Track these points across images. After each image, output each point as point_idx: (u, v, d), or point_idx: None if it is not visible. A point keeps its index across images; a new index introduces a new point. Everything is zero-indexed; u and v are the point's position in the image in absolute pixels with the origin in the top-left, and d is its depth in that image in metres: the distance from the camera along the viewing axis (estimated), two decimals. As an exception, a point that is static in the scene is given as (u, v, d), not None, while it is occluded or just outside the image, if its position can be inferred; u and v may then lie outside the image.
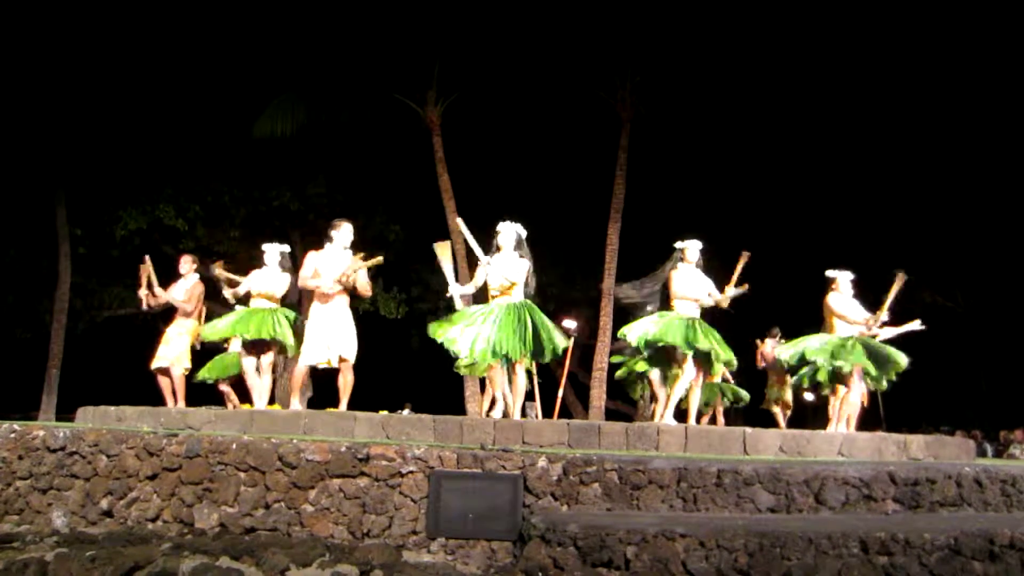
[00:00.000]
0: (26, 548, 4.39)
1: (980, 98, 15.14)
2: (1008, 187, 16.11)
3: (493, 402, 8.70)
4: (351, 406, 6.76)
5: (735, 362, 7.03)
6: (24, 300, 15.44)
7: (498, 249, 6.71)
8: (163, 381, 7.59)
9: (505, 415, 6.62)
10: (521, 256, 6.64)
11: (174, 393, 7.52)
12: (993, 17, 13.98)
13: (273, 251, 7.39)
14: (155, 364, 7.52)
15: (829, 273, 7.46)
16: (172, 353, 7.49)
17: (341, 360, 6.64)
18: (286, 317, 7.08)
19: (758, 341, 10.86)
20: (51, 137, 13.96)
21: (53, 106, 13.71)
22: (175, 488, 4.79)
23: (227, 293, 7.44)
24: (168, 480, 4.81)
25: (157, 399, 7.57)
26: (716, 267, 7.30)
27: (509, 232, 6.71)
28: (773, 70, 14.29)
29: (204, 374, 8.47)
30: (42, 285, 15.20)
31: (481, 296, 6.87)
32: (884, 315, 7.23)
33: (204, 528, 4.63)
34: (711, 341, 6.70)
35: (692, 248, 7.09)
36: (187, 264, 7.79)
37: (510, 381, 6.67)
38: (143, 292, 7.70)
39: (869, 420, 9.77)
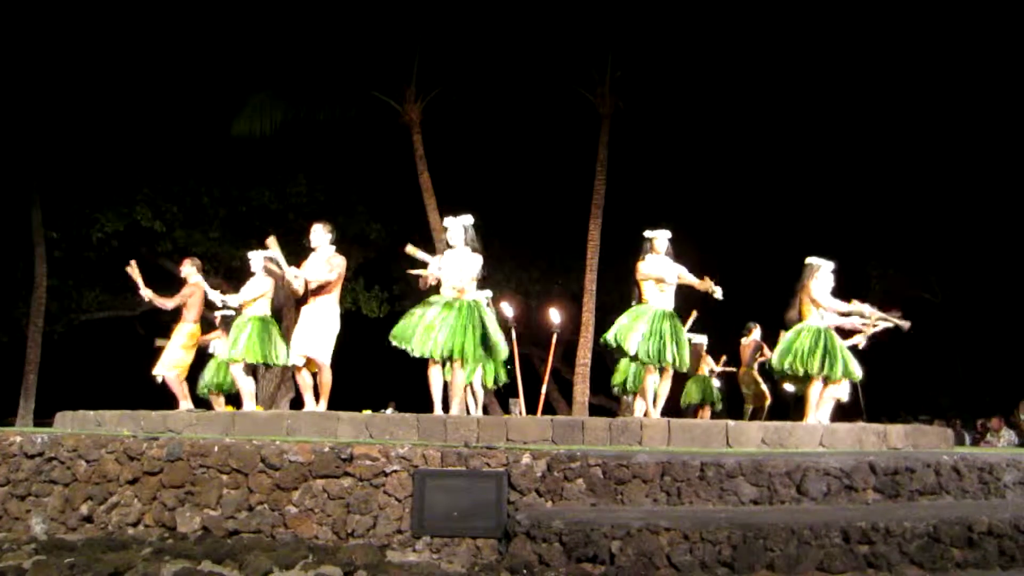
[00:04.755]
0: (3, 556, 4.33)
1: (957, 91, 15.30)
2: (983, 178, 16.32)
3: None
4: (333, 406, 6.74)
5: (687, 363, 7.00)
6: (0, 304, 15.25)
7: (449, 246, 6.67)
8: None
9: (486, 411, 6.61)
10: (473, 251, 6.57)
11: (185, 395, 7.51)
12: (967, 7, 14.15)
13: (257, 258, 7.38)
14: (155, 371, 7.52)
15: (810, 260, 7.47)
16: (166, 360, 7.46)
17: (306, 359, 6.63)
18: (271, 324, 7.22)
19: (742, 341, 10.90)
20: (25, 138, 13.75)
21: (26, 107, 13.50)
22: (156, 492, 4.74)
23: (216, 298, 7.52)
24: (149, 484, 4.76)
25: (137, 403, 7.51)
26: (699, 261, 7.32)
27: (456, 227, 6.65)
28: (752, 63, 14.36)
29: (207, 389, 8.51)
30: (18, 289, 14.97)
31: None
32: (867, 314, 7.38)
33: (186, 532, 4.59)
34: (657, 341, 6.71)
35: (661, 238, 7.08)
36: (187, 267, 7.73)
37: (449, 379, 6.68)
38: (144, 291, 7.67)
39: (849, 411, 9.87)
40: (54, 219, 14.54)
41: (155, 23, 13.79)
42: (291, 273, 6.68)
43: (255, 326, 7.11)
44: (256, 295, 7.24)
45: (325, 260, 6.74)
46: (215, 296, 7.62)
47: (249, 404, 7.18)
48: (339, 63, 14.06)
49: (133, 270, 7.52)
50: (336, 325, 6.72)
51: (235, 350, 7.05)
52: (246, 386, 7.21)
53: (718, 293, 6.84)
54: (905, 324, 7.64)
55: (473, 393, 8.57)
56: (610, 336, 6.89)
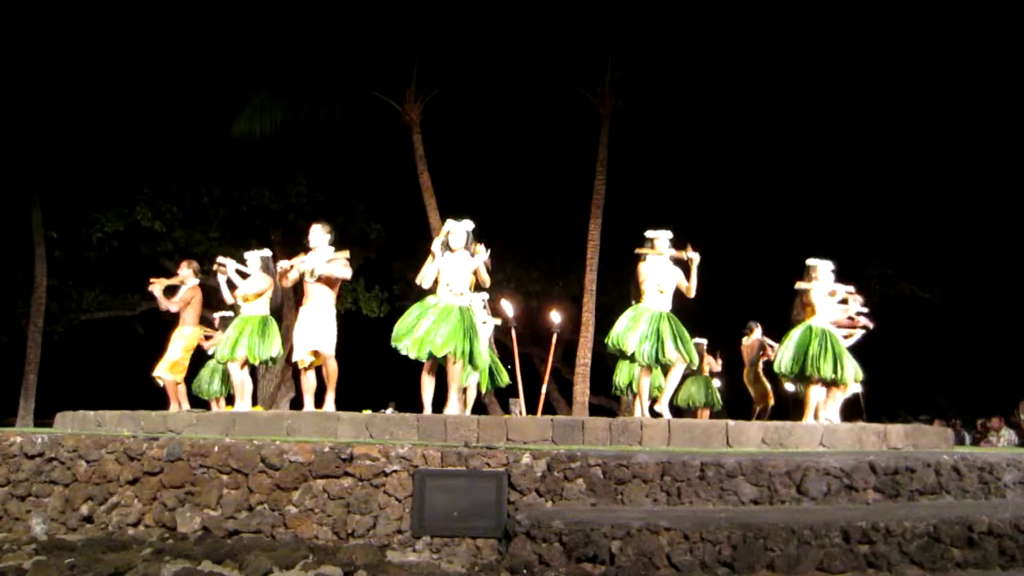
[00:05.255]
0: (3, 556, 4.33)
1: (957, 91, 15.30)
2: (983, 177, 16.32)
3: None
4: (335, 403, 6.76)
5: (695, 358, 7.00)
6: (0, 304, 15.23)
7: (450, 250, 6.66)
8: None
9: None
10: (473, 255, 6.60)
11: (177, 398, 7.49)
12: (967, 7, 14.15)
13: (254, 257, 7.39)
14: (154, 373, 7.51)
15: (809, 261, 7.49)
16: (164, 361, 7.45)
17: (314, 353, 6.70)
18: (270, 323, 7.20)
19: (743, 340, 10.87)
20: (25, 138, 13.74)
21: (26, 106, 13.49)
22: (157, 492, 4.74)
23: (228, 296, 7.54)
24: (149, 484, 4.76)
25: (137, 403, 7.51)
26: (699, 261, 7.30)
27: (459, 231, 6.66)
28: (752, 63, 14.36)
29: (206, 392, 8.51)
30: (18, 289, 14.97)
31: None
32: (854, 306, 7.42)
33: (186, 532, 4.59)
34: (659, 341, 6.72)
35: (662, 238, 7.07)
36: (185, 269, 7.73)
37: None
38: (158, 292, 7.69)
39: (849, 410, 9.87)
40: (54, 219, 14.54)
41: (155, 23, 13.79)
42: (306, 265, 6.75)
43: (252, 326, 7.11)
44: (258, 290, 7.23)
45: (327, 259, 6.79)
46: (233, 269, 7.53)
47: (241, 402, 7.16)
48: (339, 63, 14.06)
49: (156, 288, 7.58)
50: (334, 319, 6.79)
51: (230, 351, 7.05)
52: (240, 384, 7.19)
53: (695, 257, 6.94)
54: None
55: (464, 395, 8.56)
56: (610, 339, 6.90)
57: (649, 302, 6.91)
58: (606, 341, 7.05)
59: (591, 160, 14.08)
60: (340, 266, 6.78)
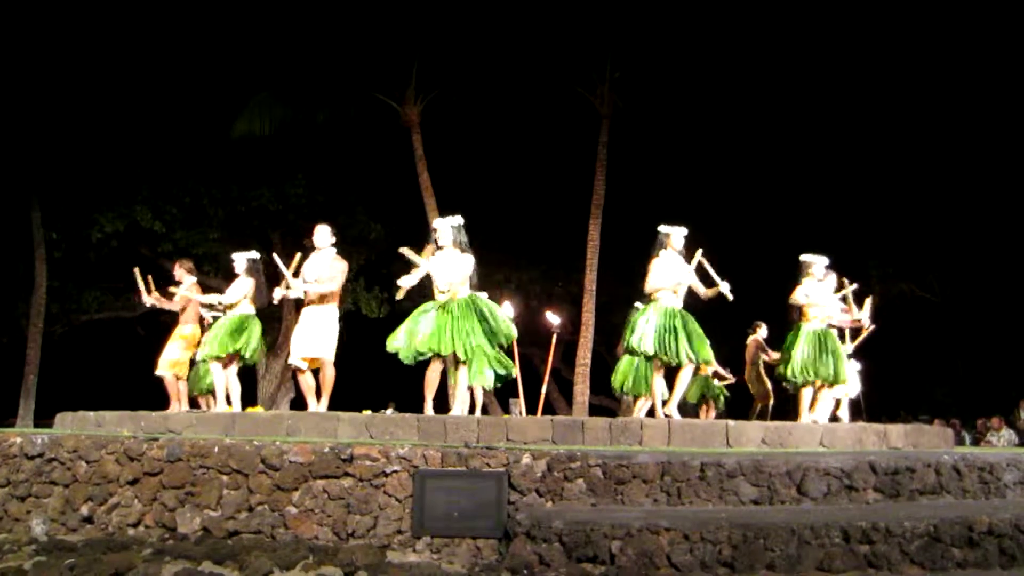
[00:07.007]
0: (3, 557, 4.33)
1: (957, 91, 15.30)
2: (983, 177, 16.33)
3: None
4: (333, 406, 6.75)
5: (709, 358, 6.95)
6: (0, 305, 15.22)
7: (439, 248, 6.64)
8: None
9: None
10: (463, 252, 6.55)
11: (178, 397, 7.51)
12: (967, 7, 14.16)
13: (240, 259, 7.45)
14: (156, 372, 7.53)
15: (803, 257, 7.47)
16: (164, 360, 7.47)
17: (304, 359, 6.69)
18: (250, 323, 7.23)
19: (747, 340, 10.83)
20: (24, 139, 13.73)
21: (25, 107, 13.49)
22: (157, 493, 4.74)
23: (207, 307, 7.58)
24: (149, 485, 4.76)
25: (137, 403, 7.51)
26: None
27: (445, 228, 6.63)
28: (752, 62, 14.36)
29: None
30: (18, 289, 14.96)
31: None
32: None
33: (187, 532, 4.59)
34: (672, 340, 6.68)
35: (676, 234, 6.94)
36: (180, 270, 7.76)
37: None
38: (147, 298, 7.76)
39: (849, 411, 9.87)
40: (54, 220, 14.53)
41: (155, 24, 13.79)
42: (295, 283, 6.81)
43: (228, 323, 7.14)
44: (238, 298, 7.27)
45: (328, 264, 6.77)
46: (208, 298, 7.65)
47: (222, 403, 7.17)
48: (339, 64, 14.06)
49: (139, 278, 7.61)
50: (337, 324, 6.77)
51: (204, 348, 7.10)
52: (220, 383, 7.18)
53: (725, 288, 6.83)
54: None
55: (472, 394, 8.51)
56: (633, 340, 6.85)
57: (661, 299, 6.85)
58: (628, 343, 6.99)
59: (591, 160, 14.08)
60: (327, 281, 6.72)
